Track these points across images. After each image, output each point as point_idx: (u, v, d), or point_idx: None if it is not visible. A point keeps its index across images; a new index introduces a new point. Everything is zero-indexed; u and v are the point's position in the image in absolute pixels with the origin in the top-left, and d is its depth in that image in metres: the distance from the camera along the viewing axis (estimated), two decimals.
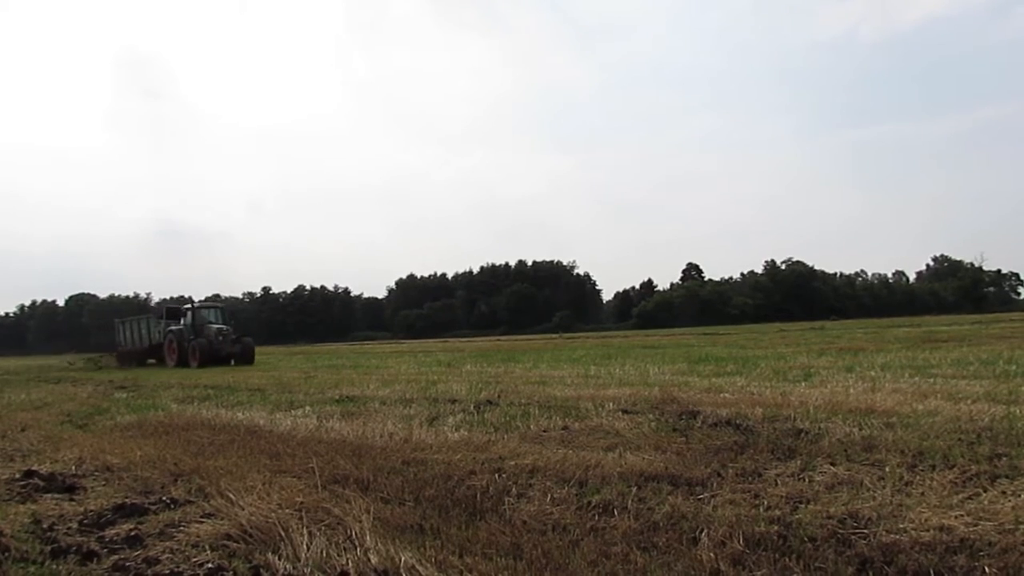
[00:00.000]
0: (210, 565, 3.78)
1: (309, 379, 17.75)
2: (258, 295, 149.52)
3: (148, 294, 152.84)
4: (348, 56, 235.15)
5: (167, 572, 3.75)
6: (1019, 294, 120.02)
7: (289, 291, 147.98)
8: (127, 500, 5.22)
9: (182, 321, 33.81)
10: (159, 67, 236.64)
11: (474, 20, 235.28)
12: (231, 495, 4.88)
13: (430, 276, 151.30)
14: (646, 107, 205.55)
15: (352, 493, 4.98)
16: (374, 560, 3.60)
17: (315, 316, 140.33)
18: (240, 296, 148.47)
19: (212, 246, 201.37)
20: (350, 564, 3.59)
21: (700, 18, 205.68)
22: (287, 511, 4.47)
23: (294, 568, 3.63)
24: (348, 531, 4.07)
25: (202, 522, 4.48)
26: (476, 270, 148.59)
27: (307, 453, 6.48)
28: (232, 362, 30.87)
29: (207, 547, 4.05)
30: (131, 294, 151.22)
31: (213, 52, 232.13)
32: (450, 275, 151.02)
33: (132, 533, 4.44)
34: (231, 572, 3.69)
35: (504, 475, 5.34)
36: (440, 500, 4.80)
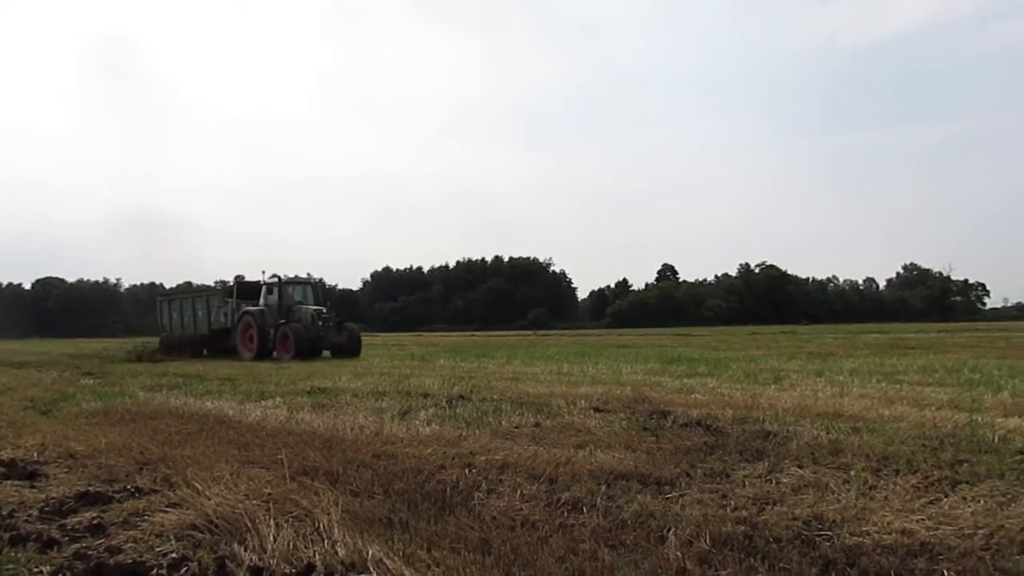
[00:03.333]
0: (174, 555, 3.74)
1: (281, 370, 17.62)
2: (230, 284, 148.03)
3: (118, 279, 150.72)
4: (326, 46, 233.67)
5: (129, 562, 3.70)
6: (985, 304, 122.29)
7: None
8: (90, 488, 5.14)
9: (263, 300, 26.04)
10: (131, 49, 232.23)
11: (453, 16, 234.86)
12: (198, 485, 4.82)
13: (406, 269, 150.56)
14: (625, 108, 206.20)
15: (321, 485, 4.94)
16: (341, 553, 3.58)
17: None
18: (212, 284, 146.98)
19: (184, 232, 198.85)
20: (317, 556, 3.57)
21: (680, 21, 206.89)
22: (255, 502, 4.44)
23: (260, 559, 3.60)
24: (316, 523, 4.04)
25: (167, 512, 4.43)
26: (452, 265, 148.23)
27: (277, 444, 6.44)
28: (329, 354, 24.71)
29: (172, 537, 4.00)
30: (100, 279, 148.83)
31: (187, 36, 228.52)
32: (426, 269, 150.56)
33: (95, 522, 4.37)
34: (196, 562, 3.64)
35: (475, 470, 5.33)
36: (410, 494, 4.78)
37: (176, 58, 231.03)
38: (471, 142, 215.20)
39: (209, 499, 4.49)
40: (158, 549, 3.85)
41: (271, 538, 3.80)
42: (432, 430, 7.16)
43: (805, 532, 3.80)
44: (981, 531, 3.66)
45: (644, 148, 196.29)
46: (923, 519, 3.89)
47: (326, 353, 24.17)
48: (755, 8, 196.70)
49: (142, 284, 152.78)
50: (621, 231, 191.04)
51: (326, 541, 3.75)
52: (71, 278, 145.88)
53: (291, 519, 4.14)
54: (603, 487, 4.77)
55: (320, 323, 24.63)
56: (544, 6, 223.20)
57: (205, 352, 27.95)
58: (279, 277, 26.18)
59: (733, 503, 4.37)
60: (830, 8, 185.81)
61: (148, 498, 4.87)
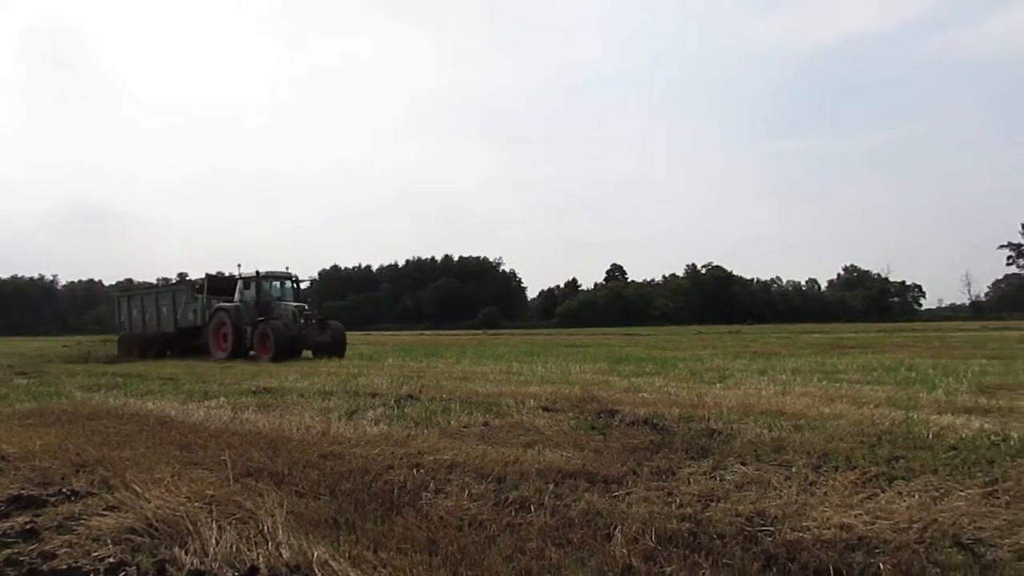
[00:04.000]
0: (111, 560, 3.63)
1: (225, 369, 17.30)
2: (174, 282, 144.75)
3: (55, 276, 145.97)
4: (276, 40, 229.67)
5: (64, 567, 3.58)
6: (921, 305, 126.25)
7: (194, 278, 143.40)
8: (23, 491, 4.96)
9: (238, 296, 24.30)
10: (71, 38, 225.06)
11: (408, 12, 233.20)
12: (137, 487, 4.70)
13: (355, 268, 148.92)
14: (578, 109, 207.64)
15: (266, 486, 4.86)
16: (286, 555, 3.52)
17: None
18: (154, 281, 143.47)
19: (127, 227, 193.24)
20: (261, 559, 3.51)
21: (634, 25, 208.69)
22: (196, 504, 4.34)
23: (202, 563, 3.52)
24: (260, 525, 3.97)
25: (105, 515, 4.30)
26: (402, 263, 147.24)
27: (220, 445, 6.31)
28: (311, 354, 22.79)
29: (109, 541, 3.89)
30: (36, 275, 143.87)
31: (132, 25, 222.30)
32: (375, 267, 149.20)
33: (28, 526, 4.22)
34: (134, 567, 3.55)
35: (423, 470, 5.31)
36: (357, 494, 4.73)
37: (120, 47, 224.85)
38: (423, 140, 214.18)
39: (149, 502, 4.38)
40: (95, 554, 3.73)
41: (213, 541, 3.72)
42: (380, 430, 7.10)
43: (748, 528, 3.87)
44: (916, 525, 3.77)
45: (595, 148, 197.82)
46: (861, 514, 4.00)
47: (307, 353, 22.85)
48: (706, 13, 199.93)
49: (80, 281, 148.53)
50: (571, 231, 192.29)
51: (270, 543, 3.69)
52: (4, 274, 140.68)
53: (234, 521, 4.07)
54: (551, 486, 4.78)
55: (302, 321, 23.00)
56: (500, 5, 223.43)
57: (169, 352, 25.78)
58: (257, 271, 24.37)
59: (678, 500, 4.43)
60: (778, 15, 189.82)
61: (84, 501, 4.73)
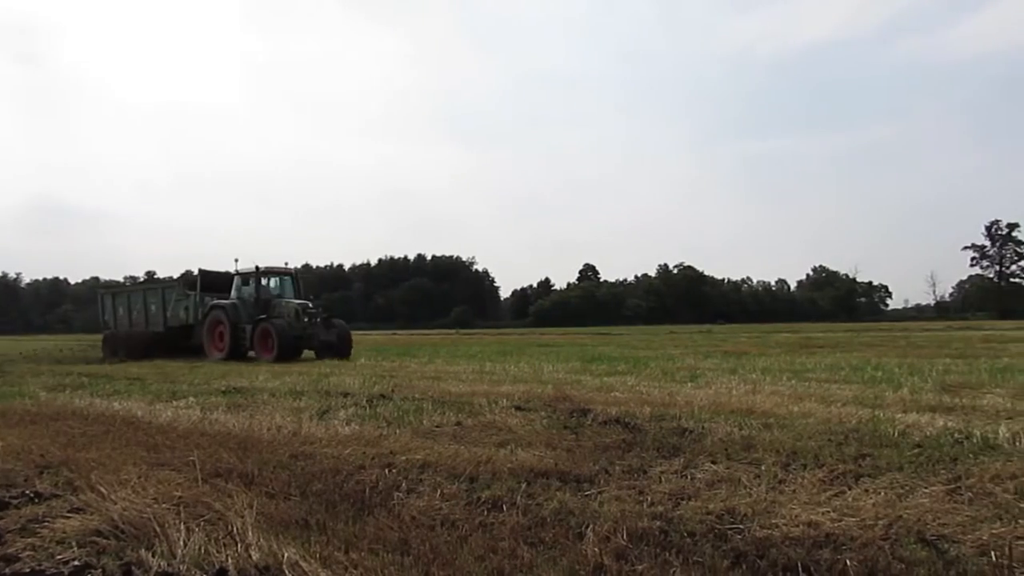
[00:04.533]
0: (76, 563, 3.57)
1: (194, 369, 17.10)
2: (142, 280, 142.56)
3: (18, 274, 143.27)
4: (248, 37, 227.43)
5: (27, 571, 3.51)
6: (887, 305, 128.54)
7: (176, 276, 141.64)
8: None
9: (235, 293, 22.85)
10: (38, 31, 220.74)
11: (381, 11, 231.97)
12: (103, 489, 4.62)
13: (326, 266, 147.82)
14: (550, 108, 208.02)
15: (235, 487, 4.81)
16: (255, 556, 3.49)
17: None
18: (122, 280, 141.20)
19: (95, 225, 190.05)
20: (230, 560, 3.47)
21: (605, 25, 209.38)
22: (164, 506, 4.28)
23: (169, 565, 3.48)
24: (229, 526, 3.93)
25: (69, 517, 4.23)
26: (374, 262, 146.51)
27: (188, 446, 6.23)
28: (314, 354, 21.27)
29: (74, 543, 3.82)
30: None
31: (100, 20, 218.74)
32: (347, 266, 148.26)
33: None
34: (100, 569, 3.49)
35: (395, 470, 5.28)
36: (328, 495, 4.70)
37: (88, 42, 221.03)
38: (396, 139, 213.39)
39: (115, 503, 4.31)
40: (59, 557, 3.67)
41: (181, 542, 3.67)
42: (352, 430, 7.06)
43: (718, 526, 3.91)
44: (881, 522, 3.83)
45: (567, 148, 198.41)
46: (828, 511, 4.05)
47: (308, 353, 21.55)
48: (676, 14, 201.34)
49: (45, 279, 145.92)
50: (544, 231, 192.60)
51: (239, 544, 3.64)
52: None
53: (203, 522, 4.02)
54: (523, 485, 4.79)
55: (306, 319, 21.36)
56: (471, 4, 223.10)
57: (155, 353, 23.32)
58: (257, 266, 22.74)
59: (650, 499, 4.45)
60: (747, 19, 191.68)
61: (49, 503, 4.64)
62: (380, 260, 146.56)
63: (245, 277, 22.97)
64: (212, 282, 24.32)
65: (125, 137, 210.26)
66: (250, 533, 3.76)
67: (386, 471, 5.25)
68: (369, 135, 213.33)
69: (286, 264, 24.26)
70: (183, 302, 24.50)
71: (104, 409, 9.24)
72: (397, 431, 6.95)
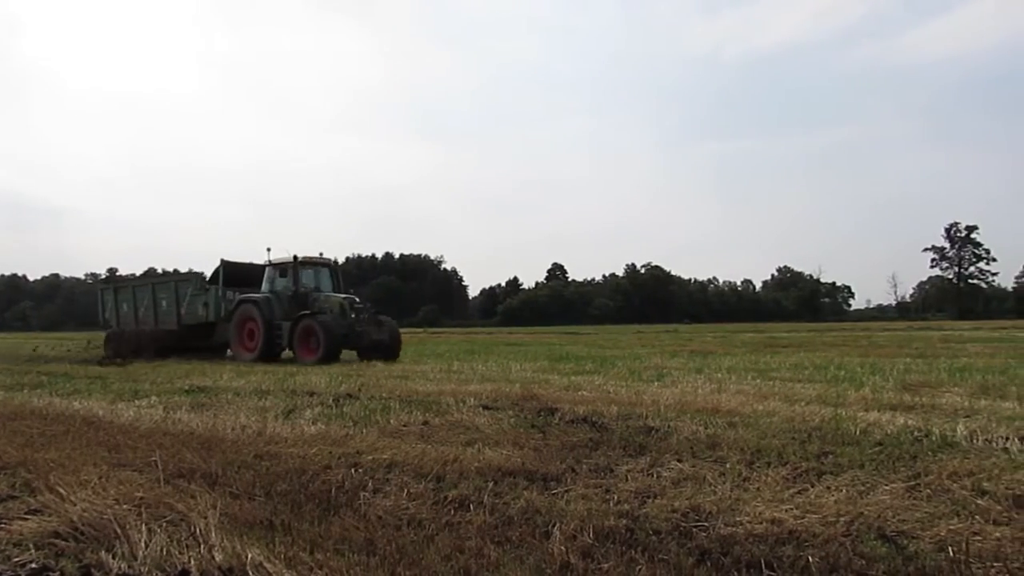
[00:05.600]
0: (34, 565, 3.50)
1: (157, 368, 16.83)
2: (103, 276, 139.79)
3: None
4: (211, 30, 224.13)
5: None
6: (850, 305, 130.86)
7: (138, 273, 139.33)
8: None
9: (268, 286, 20.66)
10: None
11: (347, 6, 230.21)
12: (62, 490, 4.53)
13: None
14: (519, 107, 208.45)
15: (198, 488, 4.74)
16: (219, 557, 3.44)
17: None
18: (82, 277, 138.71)
19: (51, 220, 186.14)
20: (192, 562, 3.42)
21: (574, 25, 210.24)
22: (125, 507, 4.21)
23: (130, 566, 3.42)
24: (192, 527, 3.87)
25: (27, 519, 4.13)
26: (342, 260, 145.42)
27: (150, 445, 6.12)
28: (356, 355, 19.46)
29: (31, 545, 3.74)
30: None
31: (58, 10, 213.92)
32: None
33: None
34: (58, 572, 3.42)
35: (361, 470, 5.25)
36: (293, 495, 4.65)
37: (46, 33, 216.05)
38: (362, 135, 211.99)
39: (74, 504, 4.23)
40: (16, 559, 3.59)
41: (142, 544, 3.61)
42: (318, 429, 7.00)
43: (683, 524, 3.94)
44: (843, 518, 3.88)
45: (535, 147, 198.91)
46: (792, 508, 4.10)
47: (348, 354, 19.74)
48: (644, 15, 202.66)
49: (2, 276, 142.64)
50: (512, 230, 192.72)
51: (202, 546, 3.59)
52: None
53: (165, 524, 3.95)
54: (490, 484, 4.78)
55: (353, 315, 19.41)
56: (438, 1, 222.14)
57: (166, 354, 21.18)
58: (295, 256, 20.51)
59: (616, 497, 4.48)
60: (714, 21, 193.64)
61: (5, 505, 4.54)
62: (347, 258, 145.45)
63: (281, 268, 20.65)
64: (235, 275, 22.17)
65: (85, 130, 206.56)
66: (213, 534, 3.71)
67: (352, 471, 5.22)
68: (335, 131, 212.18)
69: (321, 255, 21.83)
70: (201, 297, 22.24)
71: (64, 408, 9.06)
72: (364, 430, 6.91)
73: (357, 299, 20.41)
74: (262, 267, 21.47)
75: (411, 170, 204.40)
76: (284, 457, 5.69)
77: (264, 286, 20.83)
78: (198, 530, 3.80)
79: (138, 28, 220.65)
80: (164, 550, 3.56)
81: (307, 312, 19.09)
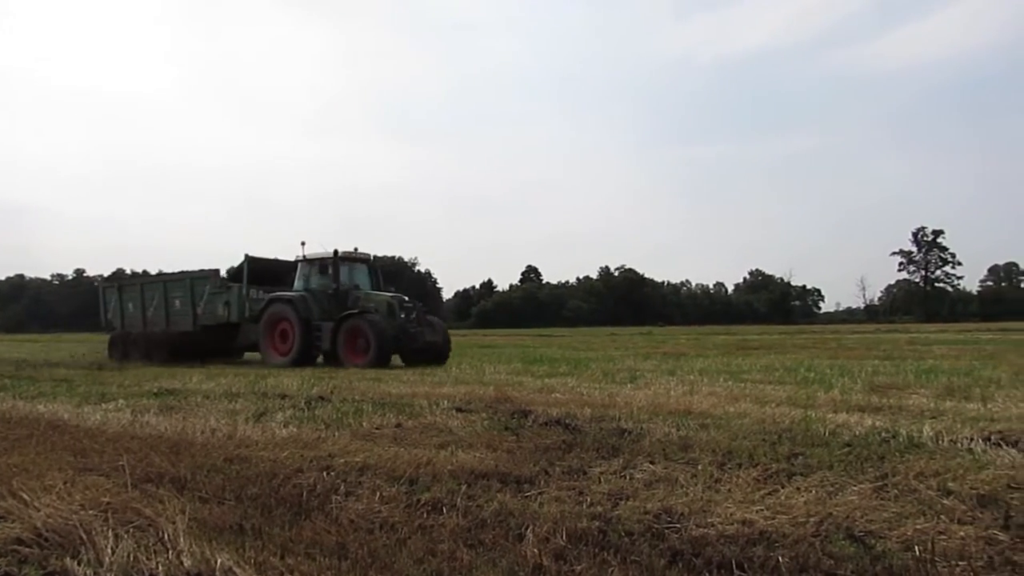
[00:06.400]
0: None
1: (124, 370, 16.58)
2: (70, 277, 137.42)
3: None
4: (182, 28, 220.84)
5: None
6: (820, 308, 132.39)
7: (107, 274, 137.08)
8: None
9: (303, 283, 19.22)
10: None
11: (320, 7, 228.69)
12: (25, 495, 4.43)
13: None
14: (494, 109, 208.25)
15: (167, 492, 4.68)
16: (187, 563, 3.39)
17: None
18: (48, 278, 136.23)
19: (14, 219, 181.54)
20: (160, 568, 3.36)
21: (548, 28, 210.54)
22: (91, 512, 4.13)
23: (96, 573, 3.36)
24: (160, 532, 3.81)
25: None
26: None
27: (118, 450, 6.03)
28: (400, 359, 18.13)
29: None
30: None
31: (26, 4, 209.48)
32: None
33: None
34: None
35: (333, 473, 5.21)
36: (264, 499, 4.61)
37: (12, 27, 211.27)
38: (334, 136, 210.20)
39: (38, 510, 4.14)
40: None
41: (108, 550, 3.55)
42: (289, 432, 6.93)
43: (655, 525, 3.96)
44: (812, 519, 3.93)
45: (509, 150, 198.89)
46: (762, 509, 4.14)
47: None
48: (616, 20, 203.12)
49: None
50: (487, 232, 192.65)
51: (170, 551, 3.54)
52: None
53: (132, 529, 3.89)
54: (464, 487, 4.77)
55: (402, 315, 17.99)
56: (413, 3, 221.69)
57: (181, 357, 19.69)
58: (336, 251, 18.99)
59: (589, 499, 4.49)
60: (687, 26, 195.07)
61: None
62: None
63: (321, 264, 19.12)
64: (261, 272, 20.63)
65: (51, 127, 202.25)
66: (182, 539, 3.66)
67: (324, 474, 5.18)
68: (309, 132, 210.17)
69: (355, 249, 20.05)
70: (222, 296, 20.61)
71: (28, 412, 8.89)
72: (336, 433, 6.86)
73: (406, 298, 19.12)
74: (288, 264, 20.30)
75: (385, 171, 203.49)
76: (255, 461, 5.63)
77: (297, 284, 19.40)
78: (166, 535, 3.75)
79: (107, 24, 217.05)
80: (131, 556, 3.50)
81: (353, 311, 17.74)
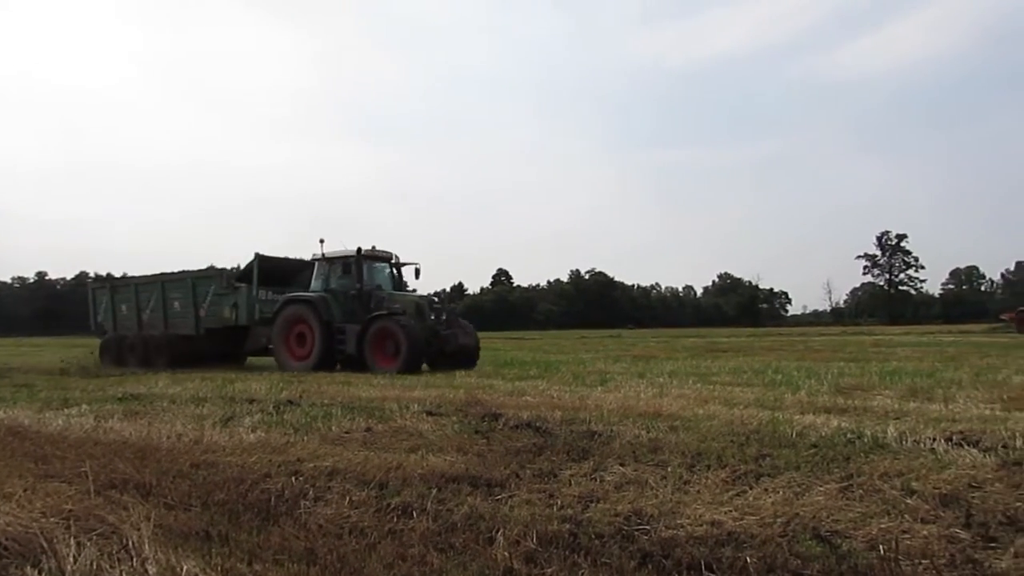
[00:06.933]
0: None
1: (87, 374, 16.27)
2: (31, 280, 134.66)
3: None
4: (148, 26, 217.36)
5: None
6: (787, 311, 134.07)
7: (70, 277, 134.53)
8: None
9: (320, 284, 17.95)
10: None
11: (288, 9, 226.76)
12: None
13: (233, 269, 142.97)
14: (464, 113, 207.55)
15: (132, 499, 4.60)
16: (152, 570, 3.34)
17: None
18: (9, 280, 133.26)
19: None
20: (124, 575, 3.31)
21: (518, 32, 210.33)
22: (52, 520, 4.05)
23: None
24: (124, 540, 3.75)
25: None
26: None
27: (81, 456, 5.92)
28: (426, 364, 16.72)
29: None
30: None
31: None
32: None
33: None
34: None
35: (302, 478, 5.16)
36: (231, 504, 4.56)
37: None
38: (302, 137, 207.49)
39: None
40: None
41: (70, 558, 3.48)
42: (257, 437, 6.85)
43: (625, 527, 3.98)
44: (780, 519, 3.97)
45: (479, 153, 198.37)
46: (731, 510, 4.18)
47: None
48: (587, 24, 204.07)
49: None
50: (457, 234, 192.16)
51: (135, 559, 3.48)
52: None
53: (95, 537, 3.82)
54: (434, 491, 4.75)
55: (432, 317, 17.01)
56: (382, 6, 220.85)
57: (183, 362, 18.30)
58: (359, 249, 17.62)
59: (560, 502, 4.49)
60: (656, 32, 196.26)
61: None
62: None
63: (344, 263, 17.81)
64: (271, 271, 19.51)
65: (9, 129, 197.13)
66: (146, 546, 3.60)
67: (293, 479, 5.13)
68: (277, 133, 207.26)
69: (373, 248, 18.33)
70: (228, 297, 19.36)
71: None
72: (305, 438, 6.79)
73: (435, 298, 18.21)
74: (297, 263, 19.52)
75: (355, 173, 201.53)
76: (222, 466, 5.56)
77: (315, 284, 18.11)
78: (130, 543, 3.68)
79: (71, 20, 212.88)
80: (94, 564, 3.44)
81: (382, 312, 16.53)
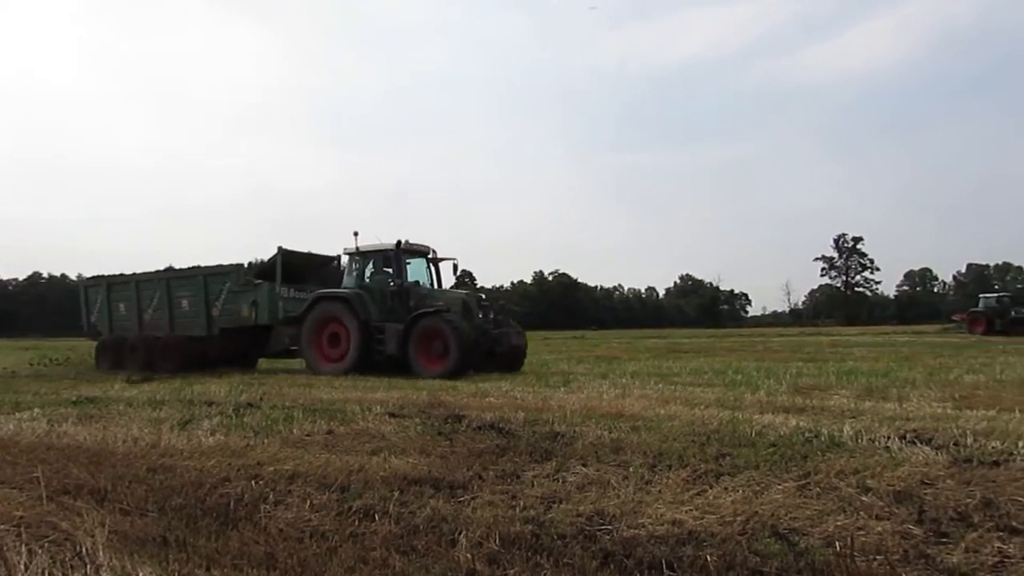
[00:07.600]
0: None
1: (40, 376, 15.89)
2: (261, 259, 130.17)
3: None
4: (102, 24, 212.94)
5: None
6: (747, 312, 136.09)
7: (22, 278, 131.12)
8: None
9: (352, 280, 16.61)
10: None
11: (252, 7, 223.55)
12: None
13: (250, 264, 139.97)
14: (428, 114, 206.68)
15: (85, 504, 4.51)
16: None
17: (54, 307, 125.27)
18: None
19: None
20: None
21: (484, 34, 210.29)
22: (3, 527, 3.95)
23: None
24: (78, 547, 3.67)
25: None
26: (245, 265, 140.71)
27: (32, 461, 5.77)
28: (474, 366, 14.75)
29: None
30: None
31: None
32: None
33: None
34: None
35: (262, 481, 5.09)
36: (189, 509, 4.48)
37: None
38: (266, 138, 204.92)
39: None
40: None
41: (21, 567, 3.39)
42: (216, 440, 6.75)
43: (588, 528, 4.00)
44: (739, 518, 4.03)
45: (444, 154, 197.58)
46: (691, 509, 4.22)
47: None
48: (552, 27, 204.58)
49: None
50: (420, 236, 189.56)
51: (89, 566, 3.41)
52: None
53: (47, 544, 3.73)
54: (396, 493, 4.73)
55: (480, 316, 15.74)
56: (348, 6, 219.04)
57: (193, 365, 16.98)
58: (399, 242, 16.20)
59: (522, 503, 4.50)
60: (620, 35, 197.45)
61: None
62: (250, 263, 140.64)
63: (383, 257, 16.54)
64: (294, 267, 18.27)
65: None
66: (101, 553, 3.53)
67: (252, 483, 5.06)
68: (239, 133, 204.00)
69: (406, 241, 16.63)
70: (247, 295, 17.79)
71: None
72: (265, 441, 6.71)
73: (482, 295, 17.14)
74: (321, 258, 18.58)
75: (319, 174, 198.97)
76: (180, 470, 5.47)
77: (347, 280, 16.81)
78: (84, 549, 3.61)
79: (20, 15, 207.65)
80: (46, 572, 3.36)
81: (427, 310, 15.19)
